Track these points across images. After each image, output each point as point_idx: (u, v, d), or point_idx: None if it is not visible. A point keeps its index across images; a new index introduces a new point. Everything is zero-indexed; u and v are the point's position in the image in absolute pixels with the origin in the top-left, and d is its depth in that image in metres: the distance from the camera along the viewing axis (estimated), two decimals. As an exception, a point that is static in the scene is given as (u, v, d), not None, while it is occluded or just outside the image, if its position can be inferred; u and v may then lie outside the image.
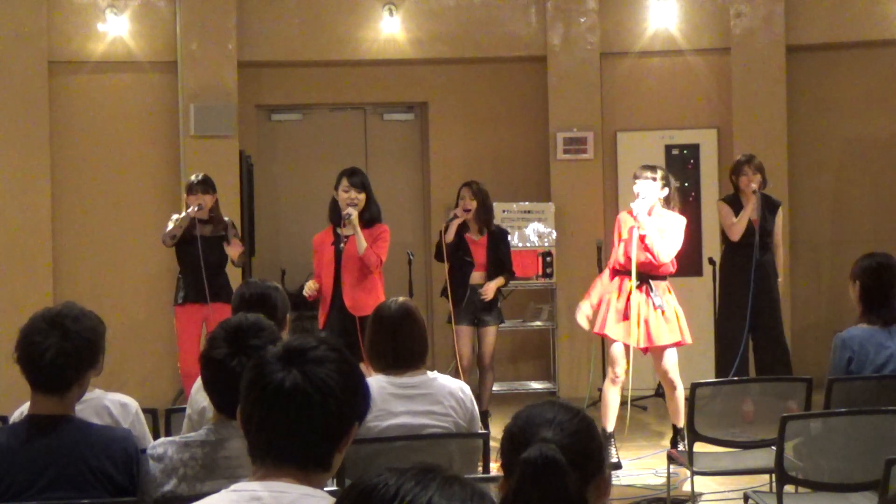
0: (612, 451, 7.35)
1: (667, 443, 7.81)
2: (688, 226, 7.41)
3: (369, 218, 7.46)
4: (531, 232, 9.98)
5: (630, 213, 7.30)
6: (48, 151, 9.77)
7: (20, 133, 9.71)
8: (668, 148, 10.23)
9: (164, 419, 5.14)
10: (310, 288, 7.43)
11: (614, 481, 7.00)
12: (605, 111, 10.25)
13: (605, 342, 7.99)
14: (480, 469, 4.62)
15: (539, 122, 10.33)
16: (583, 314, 7.48)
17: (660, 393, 9.11)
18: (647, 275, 7.24)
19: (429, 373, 4.60)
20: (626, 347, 7.32)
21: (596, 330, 7.44)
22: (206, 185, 8.16)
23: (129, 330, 9.40)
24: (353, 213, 7.34)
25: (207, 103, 9.83)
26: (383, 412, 4.39)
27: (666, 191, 7.28)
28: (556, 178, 10.21)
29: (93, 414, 3.87)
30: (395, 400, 4.47)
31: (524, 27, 10.32)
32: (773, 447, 5.06)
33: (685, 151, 10.24)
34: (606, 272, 7.49)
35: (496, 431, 6.21)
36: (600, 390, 8.71)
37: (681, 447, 6.90)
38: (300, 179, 10.60)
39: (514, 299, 9.83)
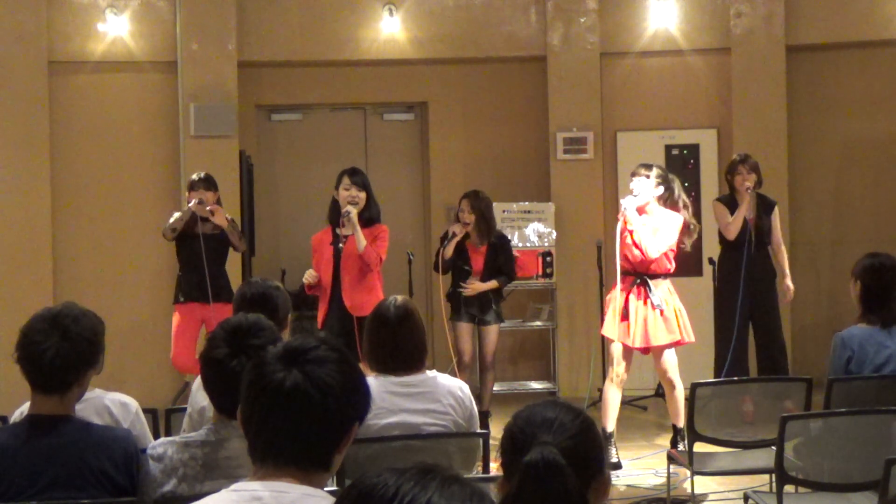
0: (613, 451, 7.35)
1: (667, 443, 7.81)
2: (686, 224, 7.40)
3: (369, 217, 7.46)
4: (531, 232, 9.98)
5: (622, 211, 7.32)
6: (48, 151, 9.77)
7: (20, 133, 9.71)
8: (668, 148, 10.23)
9: (164, 419, 5.14)
10: (310, 275, 7.41)
11: (614, 481, 7.01)
12: (605, 111, 10.25)
13: (605, 342, 7.99)
14: (480, 469, 4.62)
15: (539, 122, 10.33)
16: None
17: (660, 393, 9.11)
18: (645, 274, 7.23)
19: (428, 372, 4.60)
20: (628, 348, 7.32)
21: (601, 331, 7.46)
22: (209, 183, 8.22)
23: (129, 330, 9.40)
24: (353, 211, 7.33)
25: (207, 103, 9.83)
26: (382, 410, 4.39)
27: (661, 189, 7.26)
28: (556, 178, 10.21)
29: (93, 414, 3.87)
30: (395, 398, 4.47)
31: (524, 27, 10.32)
32: (773, 447, 5.06)
33: (685, 151, 10.25)
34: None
35: (496, 431, 6.22)
36: (600, 390, 8.71)
37: (681, 447, 6.90)
38: (300, 179, 10.60)
39: (514, 299, 9.83)
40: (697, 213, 9.97)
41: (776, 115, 10.10)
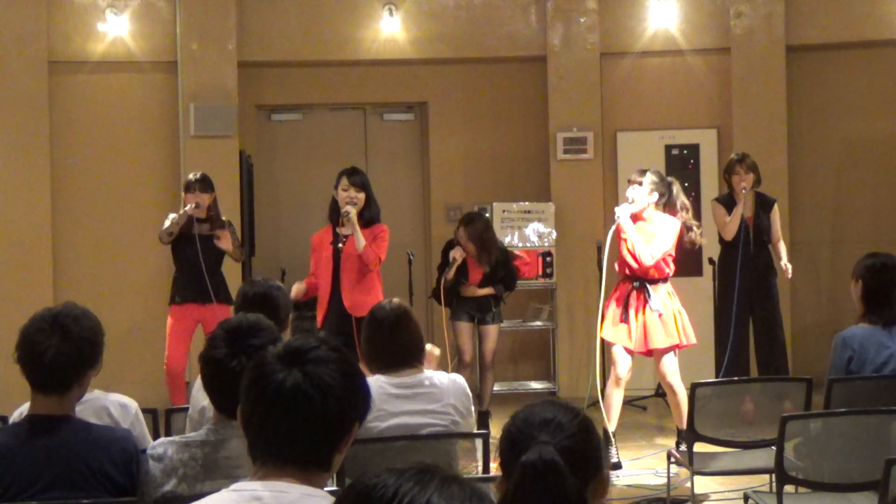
0: (613, 451, 7.35)
1: (667, 443, 7.81)
2: (685, 227, 7.40)
3: (369, 217, 7.45)
4: (531, 232, 9.98)
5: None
6: (48, 151, 9.77)
7: (20, 133, 9.71)
8: (668, 148, 10.23)
9: (164, 419, 5.14)
10: (296, 290, 7.40)
11: (614, 481, 7.02)
12: (605, 111, 10.25)
13: (605, 344, 8.00)
14: (480, 469, 4.62)
15: (539, 122, 10.34)
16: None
17: (660, 393, 9.11)
18: (644, 279, 7.23)
19: (425, 371, 4.61)
20: (629, 350, 7.32)
21: (600, 334, 7.44)
22: (205, 184, 8.13)
23: (129, 330, 9.40)
24: (352, 211, 7.33)
25: (207, 103, 9.83)
26: (383, 412, 4.40)
27: (654, 196, 7.24)
28: (556, 178, 10.22)
29: (92, 414, 3.87)
30: (394, 400, 4.47)
31: (524, 27, 10.32)
32: (773, 447, 5.06)
33: (685, 151, 10.25)
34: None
35: (496, 431, 6.22)
36: (602, 391, 8.71)
37: (682, 447, 6.90)
38: (300, 179, 10.61)
39: (514, 299, 9.82)
40: (697, 213, 9.97)
41: (776, 115, 10.10)
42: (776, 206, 8.51)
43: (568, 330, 10.10)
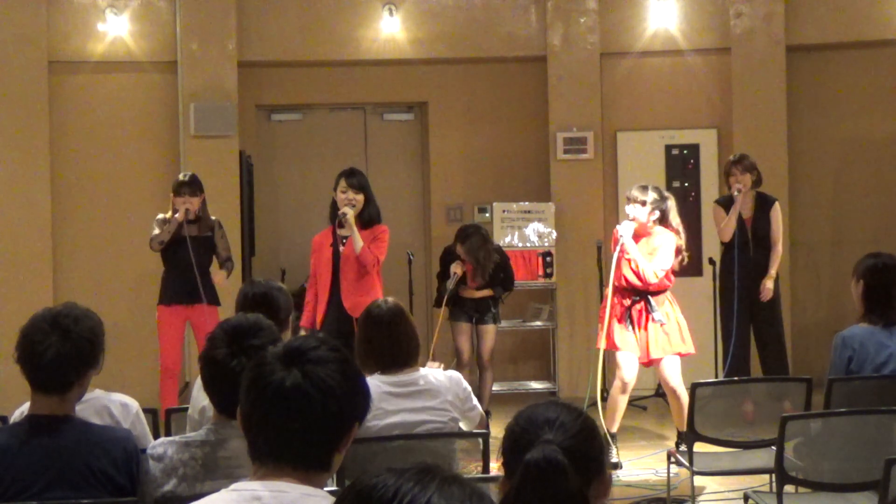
0: (613, 451, 7.36)
1: (667, 442, 7.81)
2: (688, 226, 7.41)
3: (368, 218, 7.45)
4: (531, 232, 9.98)
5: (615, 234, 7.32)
6: (48, 151, 9.77)
7: (20, 133, 9.71)
8: (668, 148, 10.23)
9: (164, 419, 5.14)
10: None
11: (614, 481, 7.01)
12: (605, 111, 10.25)
13: (607, 349, 8.00)
14: (480, 467, 4.62)
15: (539, 122, 10.33)
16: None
17: (660, 393, 9.11)
18: (646, 291, 7.23)
19: (421, 369, 4.62)
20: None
21: (607, 346, 7.40)
22: (194, 187, 8.09)
23: (129, 329, 9.40)
24: (350, 213, 7.32)
25: (207, 103, 9.83)
26: (381, 411, 4.41)
27: (656, 213, 7.24)
28: (556, 178, 10.21)
29: (93, 414, 3.87)
30: (392, 398, 4.48)
31: (524, 27, 10.32)
32: (773, 447, 5.06)
33: (685, 151, 10.25)
34: (610, 286, 7.47)
35: (496, 431, 6.22)
36: (605, 391, 8.72)
37: (682, 447, 6.90)
38: (300, 179, 10.61)
39: (514, 299, 9.82)
40: (697, 213, 10.01)
41: (776, 115, 10.10)
42: (776, 206, 8.48)
43: (568, 330, 10.10)
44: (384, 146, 10.78)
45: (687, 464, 5.81)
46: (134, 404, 4.08)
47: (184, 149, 9.88)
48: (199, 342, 8.09)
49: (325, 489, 2.41)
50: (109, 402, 4.00)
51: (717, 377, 8.38)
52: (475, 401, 4.70)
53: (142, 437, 3.98)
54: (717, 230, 8.50)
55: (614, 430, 7.30)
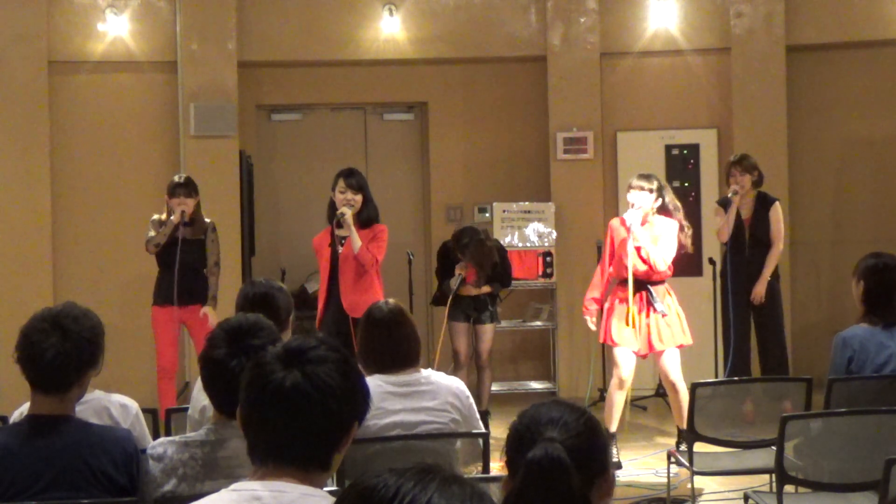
0: (614, 450, 7.36)
1: (667, 442, 7.81)
2: (679, 227, 7.42)
3: (367, 218, 7.44)
4: (531, 232, 9.98)
5: (623, 222, 7.31)
6: (48, 151, 9.77)
7: (20, 133, 9.71)
8: (668, 148, 10.23)
9: (163, 419, 5.14)
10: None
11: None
12: (605, 111, 10.25)
13: (605, 345, 8.01)
14: (480, 468, 4.62)
15: (539, 122, 10.33)
16: (590, 316, 7.49)
17: (660, 393, 9.12)
18: (646, 281, 7.24)
19: (423, 370, 4.61)
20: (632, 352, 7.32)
21: (603, 340, 7.44)
22: (189, 189, 8.08)
23: (129, 330, 9.40)
24: (348, 213, 7.32)
25: (207, 103, 9.83)
26: (381, 410, 4.40)
27: (659, 201, 7.27)
28: (556, 178, 10.21)
29: (93, 415, 3.87)
30: (393, 398, 4.48)
31: (524, 27, 10.32)
32: (773, 447, 5.06)
33: (685, 151, 10.25)
34: (597, 271, 7.54)
35: (496, 431, 6.23)
36: (601, 390, 8.72)
37: (682, 447, 6.90)
38: (300, 179, 10.60)
39: (514, 299, 9.83)
40: (697, 213, 10.00)
41: (776, 115, 10.10)
42: (776, 206, 8.47)
43: (568, 330, 10.10)
44: (384, 146, 10.77)
45: (687, 464, 5.81)
46: (133, 405, 4.08)
47: (184, 149, 9.88)
48: (195, 342, 8.10)
49: (325, 489, 2.41)
50: (109, 403, 4.00)
51: (717, 377, 8.37)
52: (476, 414, 4.68)
53: (141, 437, 3.98)
54: (716, 230, 8.50)
55: (613, 429, 7.30)
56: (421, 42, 10.21)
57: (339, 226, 7.40)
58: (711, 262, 8.79)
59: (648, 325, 7.20)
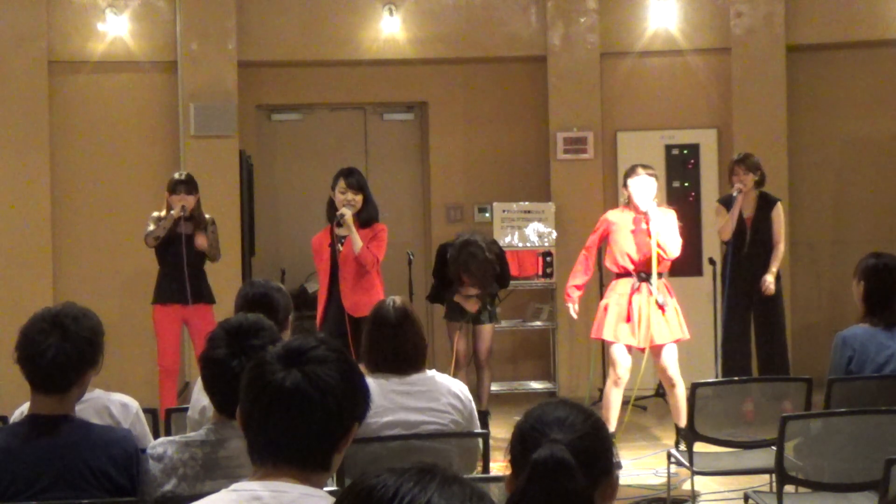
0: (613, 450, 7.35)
1: (667, 442, 7.81)
2: (688, 226, 7.45)
3: (367, 218, 7.44)
4: (531, 232, 9.98)
5: (639, 211, 7.28)
6: (48, 151, 9.77)
7: (20, 133, 9.71)
8: (668, 148, 10.23)
9: (163, 419, 5.14)
10: None
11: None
12: (605, 111, 10.25)
13: (604, 343, 8.00)
14: (480, 468, 4.62)
15: (539, 122, 10.33)
16: (573, 303, 7.53)
17: (660, 393, 9.12)
18: (647, 273, 7.25)
19: (427, 371, 4.60)
20: (629, 348, 7.32)
21: (594, 335, 7.46)
22: (190, 186, 8.10)
23: (129, 329, 9.40)
24: (348, 213, 7.32)
25: (207, 103, 9.83)
26: (381, 409, 4.39)
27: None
28: (556, 178, 10.21)
29: (93, 414, 3.87)
30: (394, 396, 4.47)
31: (524, 27, 10.32)
32: (773, 447, 5.06)
33: (685, 151, 10.25)
34: (581, 258, 7.56)
35: (495, 431, 6.22)
36: (600, 390, 8.72)
37: (681, 447, 6.91)
38: (300, 179, 10.60)
39: (514, 299, 9.83)
40: (697, 213, 10.01)
41: (776, 115, 10.10)
42: (778, 206, 8.48)
43: (568, 330, 10.09)
44: (384, 146, 10.78)
45: (687, 464, 5.81)
46: (134, 404, 4.08)
47: (184, 149, 9.88)
48: (195, 342, 8.10)
49: (325, 489, 2.41)
50: (109, 402, 4.00)
51: (717, 377, 8.37)
52: (476, 418, 4.67)
53: (142, 437, 3.98)
54: (717, 228, 8.51)
55: (612, 428, 7.30)
56: (421, 42, 10.21)
57: (339, 225, 7.39)
58: (711, 262, 8.79)
59: (649, 319, 7.20)
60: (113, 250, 9.88)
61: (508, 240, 9.85)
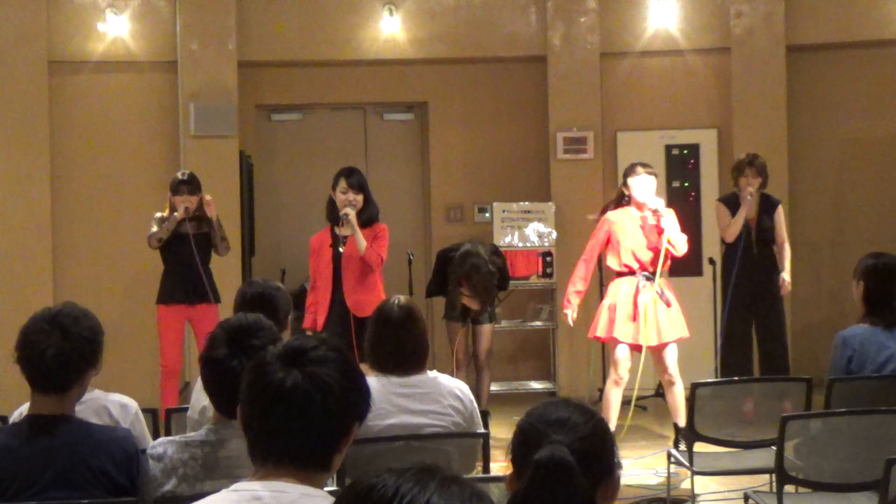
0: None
1: (667, 442, 7.80)
2: (688, 226, 7.46)
3: (368, 218, 7.45)
4: (531, 232, 9.98)
5: (651, 211, 7.27)
6: (48, 151, 9.77)
7: (20, 133, 9.71)
8: (668, 148, 10.23)
9: (164, 419, 5.14)
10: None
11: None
12: (605, 111, 10.25)
13: (604, 343, 8.00)
14: (480, 469, 4.61)
15: (539, 122, 10.33)
16: (572, 310, 7.50)
17: (660, 393, 9.11)
18: (651, 272, 7.25)
19: (429, 372, 4.59)
20: (631, 348, 7.31)
21: (599, 334, 7.42)
22: (193, 185, 8.10)
23: (129, 329, 9.40)
24: (351, 213, 7.32)
25: (207, 103, 9.83)
26: (382, 411, 4.39)
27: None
28: (556, 178, 10.21)
29: (92, 414, 3.87)
30: (395, 399, 4.46)
31: (524, 27, 10.32)
32: (773, 447, 5.05)
33: (685, 151, 10.25)
34: (581, 265, 7.52)
35: (495, 431, 6.22)
36: (600, 390, 8.72)
37: (681, 447, 6.90)
38: (300, 179, 10.61)
39: (514, 299, 9.83)
40: (697, 213, 10.01)
41: (776, 115, 10.10)
42: (780, 209, 8.51)
43: (568, 330, 10.07)
44: (384, 146, 10.78)
45: (687, 464, 5.81)
46: (133, 404, 4.08)
47: (184, 149, 9.88)
48: (200, 341, 8.09)
49: (325, 489, 2.41)
50: (108, 403, 4.00)
51: (716, 377, 8.37)
52: (478, 419, 4.66)
53: (141, 437, 3.98)
54: (721, 228, 8.50)
55: (611, 429, 7.29)
56: (421, 42, 10.21)
57: (341, 225, 7.39)
58: (711, 262, 8.79)
59: (656, 317, 7.19)
60: (113, 250, 9.88)
61: (508, 240, 9.85)
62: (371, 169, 10.21)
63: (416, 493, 1.64)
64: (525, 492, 2.24)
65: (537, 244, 9.97)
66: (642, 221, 7.30)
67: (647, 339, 7.20)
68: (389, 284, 7.72)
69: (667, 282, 7.38)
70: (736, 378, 7.79)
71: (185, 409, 4.61)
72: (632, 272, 7.29)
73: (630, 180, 7.35)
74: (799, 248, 10.11)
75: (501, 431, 6.93)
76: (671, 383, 7.29)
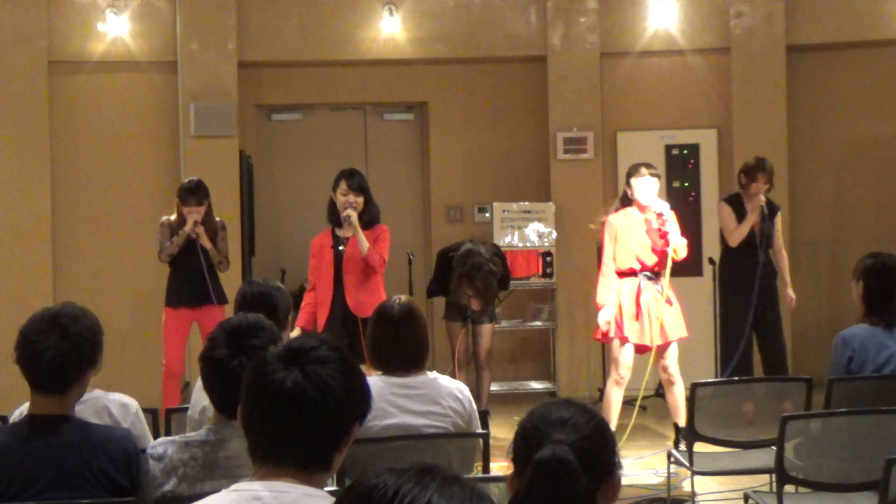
0: (613, 449, 7.34)
1: (667, 442, 7.80)
2: (688, 226, 7.45)
3: (369, 219, 7.44)
4: (531, 232, 9.98)
5: (655, 214, 7.26)
6: (48, 151, 9.77)
7: (20, 133, 9.72)
8: (668, 148, 10.24)
9: (164, 419, 5.14)
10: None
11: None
12: (605, 111, 10.25)
13: (604, 343, 7.99)
14: (480, 469, 4.61)
15: (539, 122, 10.33)
16: (605, 318, 7.36)
17: (660, 393, 9.11)
18: (653, 272, 7.25)
19: (429, 373, 4.59)
20: (638, 348, 7.31)
21: (610, 335, 7.37)
22: (200, 195, 8.08)
23: (129, 329, 9.41)
24: (353, 215, 7.31)
25: (207, 103, 9.83)
26: (381, 411, 4.39)
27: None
28: (556, 178, 10.21)
29: (93, 414, 3.87)
30: (395, 399, 4.46)
31: (524, 27, 10.32)
32: (773, 447, 5.05)
33: (685, 151, 10.25)
34: (606, 272, 7.43)
35: (495, 431, 6.22)
36: (600, 390, 8.73)
37: (681, 447, 6.90)
38: (300, 179, 10.61)
39: (514, 299, 9.84)
40: (697, 213, 10.01)
41: (776, 115, 10.10)
42: (779, 215, 8.50)
43: (568, 330, 10.10)
44: (384, 146, 10.78)
45: (687, 464, 5.81)
46: (133, 404, 4.08)
47: (184, 149, 9.89)
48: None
49: (326, 489, 2.41)
50: (109, 402, 4.00)
51: (717, 377, 8.37)
52: (477, 420, 4.66)
53: (141, 436, 3.97)
54: (726, 232, 8.42)
55: (612, 428, 7.28)
56: (421, 42, 10.21)
57: (341, 226, 7.39)
58: (711, 262, 8.79)
59: (661, 316, 7.19)
60: (113, 250, 9.89)
61: (508, 240, 9.85)
62: (371, 169, 10.21)
63: (417, 493, 1.64)
64: (526, 491, 2.24)
65: (537, 244, 9.97)
66: (646, 225, 7.28)
67: (652, 339, 7.20)
68: (390, 284, 7.71)
69: (668, 282, 7.38)
70: (736, 378, 7.78)
71: (185, 409, 4.60)
72: (632, 274, 7.29)
73: (633, 181, 7.33)
74: (799, 248, 10.12)
75: (501, 431, 6.94)
76: (671, 383, 7.29)
